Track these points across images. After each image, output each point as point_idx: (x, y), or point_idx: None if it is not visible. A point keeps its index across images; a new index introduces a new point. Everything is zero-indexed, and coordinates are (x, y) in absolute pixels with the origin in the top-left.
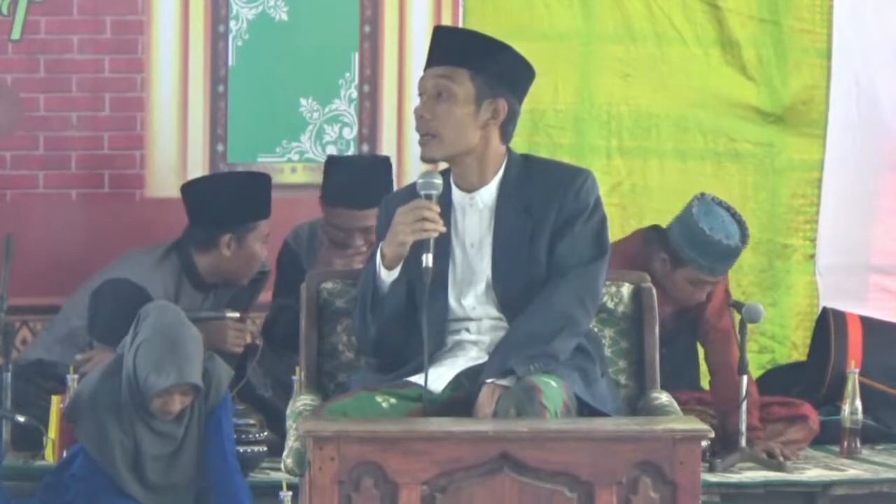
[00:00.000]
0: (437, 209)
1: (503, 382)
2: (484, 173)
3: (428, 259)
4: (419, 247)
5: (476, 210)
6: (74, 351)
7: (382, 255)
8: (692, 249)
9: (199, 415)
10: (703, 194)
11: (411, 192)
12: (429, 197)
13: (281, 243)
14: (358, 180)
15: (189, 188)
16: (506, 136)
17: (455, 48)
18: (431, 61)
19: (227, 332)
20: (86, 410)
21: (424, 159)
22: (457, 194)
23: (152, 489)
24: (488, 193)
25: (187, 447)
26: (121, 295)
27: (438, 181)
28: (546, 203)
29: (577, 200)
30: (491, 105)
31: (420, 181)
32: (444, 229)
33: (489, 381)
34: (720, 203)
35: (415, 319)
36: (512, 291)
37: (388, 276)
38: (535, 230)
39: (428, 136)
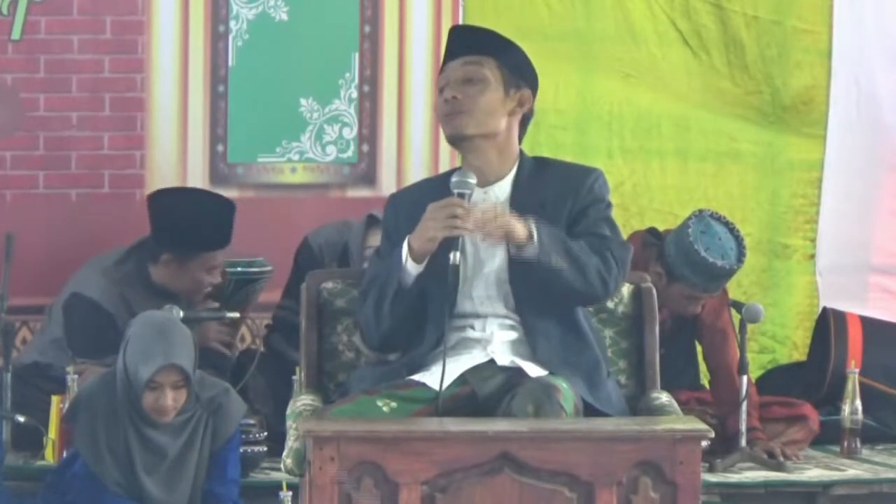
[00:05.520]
0: (470, 208)
1: (532, 227)
2: (500, 168)
3: (455, 257)
4: (445, 244)
5: (490, 205)
6: (66, 353)
7: (410, 249)
8: (686, 268)
9: (203, 441)
10: (701, 211)
11: (419, 189)
12: (462, 195)
13: (289, 243)
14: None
15: (153, 197)
16: (521, 134)
17: (478, 41)
18: (451, 55)
19: (210, 329)
20: (82, 414)
21: (452, 134)
22: None
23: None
24: (502, 189)
25: (186, 470)
26: (77, 312)
27: (473, 181)
28: (560, 200)
29: (591, 193)
30: (517, 94)
31: (454, 179)
32: (474, 229)
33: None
34: (719, 218)
35: (423, 315)
36: (526, 287)
37: (414, 270)
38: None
39: (456, 112)
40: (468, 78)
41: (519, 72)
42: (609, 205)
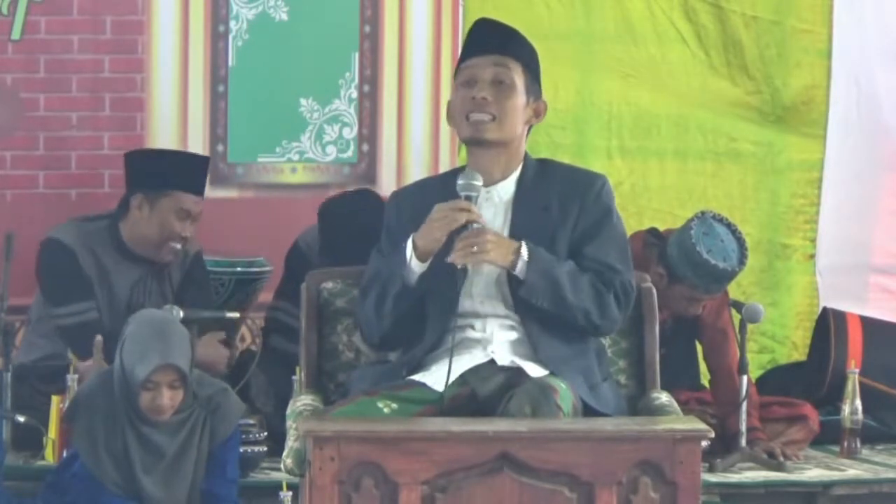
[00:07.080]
0: (477, 210)
1: (524, 250)
2: (506, 169)
3: None
4: (449, 245)
5: (492, 204)
6: (42, 342)
7: (415, 247)
8: (688, 269)
9: (202, 440)
10: (703, 212)
11: (421, 188)
12: (468, 198)
13: (289, 244)
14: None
15: (128, 154)
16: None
17: (508, 42)
18: (479, 50)
19: (220, 361)
20: (81, 414)
21: (473, 137)
22: None
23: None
24: (505, 189)
25: (184, 469)
26: (45, 254)
27: (479, 183)
28: (565, 203)
29: (598, 204)
30: (535, 103)
31: (461, 182)
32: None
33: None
34: (721, 220)
35: (424, 313)
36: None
37: (418, 268)
38: (556, 229)
39: (489, 116)
40: (499, 80)
41: (537, 80)
42: (618, 217)
